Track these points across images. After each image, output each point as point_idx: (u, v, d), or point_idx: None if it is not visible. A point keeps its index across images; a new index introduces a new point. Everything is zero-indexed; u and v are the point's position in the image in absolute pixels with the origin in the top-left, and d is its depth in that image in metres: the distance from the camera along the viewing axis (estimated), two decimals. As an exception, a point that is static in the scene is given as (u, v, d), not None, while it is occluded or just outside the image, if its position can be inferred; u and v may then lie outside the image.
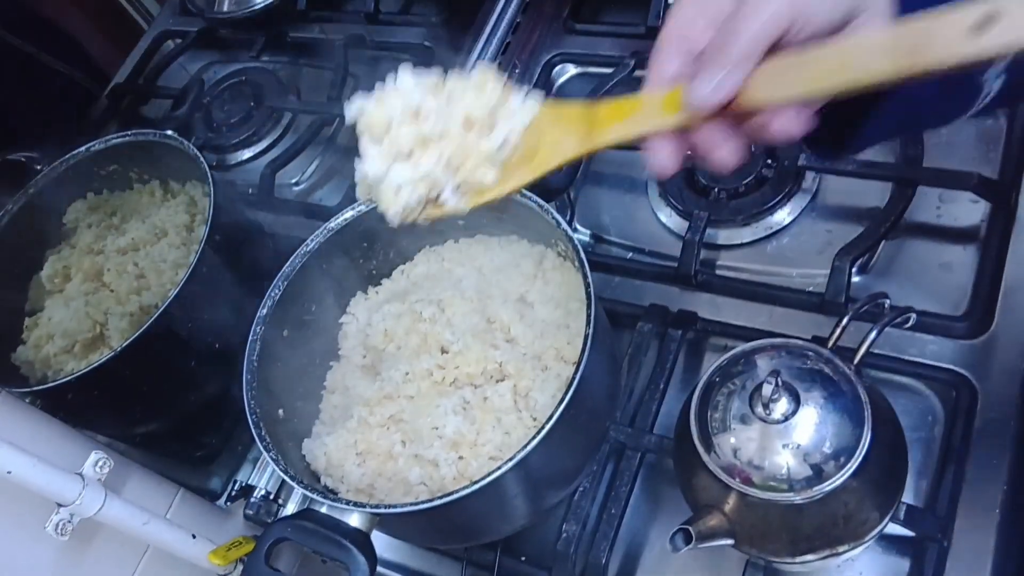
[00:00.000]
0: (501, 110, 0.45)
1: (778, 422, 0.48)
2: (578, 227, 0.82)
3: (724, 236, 0.76)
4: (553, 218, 0.61)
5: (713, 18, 0.38)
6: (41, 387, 0.70)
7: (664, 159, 0.40)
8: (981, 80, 0.40)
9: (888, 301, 0.53)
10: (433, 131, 0.44)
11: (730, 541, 0.51)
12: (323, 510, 0.55)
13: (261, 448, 0.59)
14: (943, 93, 0.41)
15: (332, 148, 1.02)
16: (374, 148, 0.45)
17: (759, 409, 0.49)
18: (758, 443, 0.49)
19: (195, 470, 0.83)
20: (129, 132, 0.87)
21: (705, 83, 0.36)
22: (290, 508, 0.78)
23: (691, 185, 0.79)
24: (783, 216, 0.75)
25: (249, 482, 0.80)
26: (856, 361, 0.52)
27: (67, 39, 1.32)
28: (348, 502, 0.55)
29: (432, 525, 0.61)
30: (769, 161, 0.76)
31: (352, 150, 1.08)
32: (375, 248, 0.73)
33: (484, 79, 0.45)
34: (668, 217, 0.79)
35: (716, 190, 0.77)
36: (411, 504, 0.54)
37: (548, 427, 0.52)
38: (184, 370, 0.78)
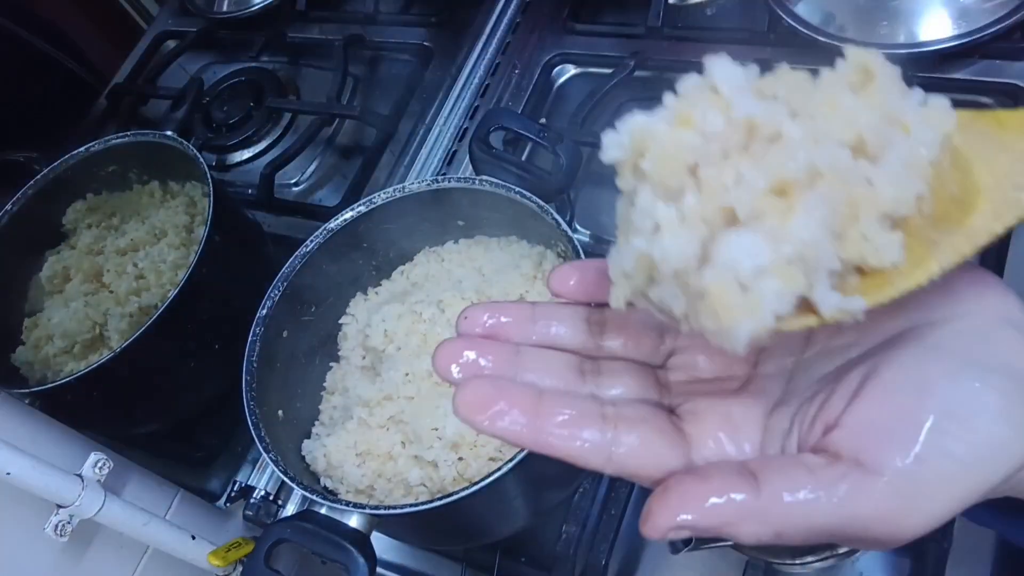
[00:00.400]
0: (895, 123, 0.27)
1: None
2: (578, 227, 0.82)
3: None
4: (553, 219, 0.61)
5: None
6: (40, 388, 0.70)
7: None
8: None
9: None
10: (806, 162, 0.26)
11: (730, 542, 0.51)
12: (323, 511, 0.55)
13: (261, 449, 0.59)
14: None
15: (332, 148, 1.02)
16: (670, 210, 0.26)
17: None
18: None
19: (195, 471, 0.83)
20: (128, 132, 0.87)
21: None
22: (290, 509, 0.78)
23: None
24: (783, 216, 0.75)
25: (249, 483, 0.80)
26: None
27: (66, 39, 1.32)
28: (348, 503, 0.54)
29: (432, 526, 0.61)
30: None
31: (353, 150, 1.08)
32: (375, 249, 0.73)
33: (863, 69, 0.28)
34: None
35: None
36: (411, 505, 0.54)
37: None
38: (184, 371, 0.78)
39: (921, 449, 0.24)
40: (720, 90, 0.27)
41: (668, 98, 0.27)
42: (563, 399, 0.29)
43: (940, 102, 0.28)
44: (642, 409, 0.30)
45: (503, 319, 0.32)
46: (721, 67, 0.27)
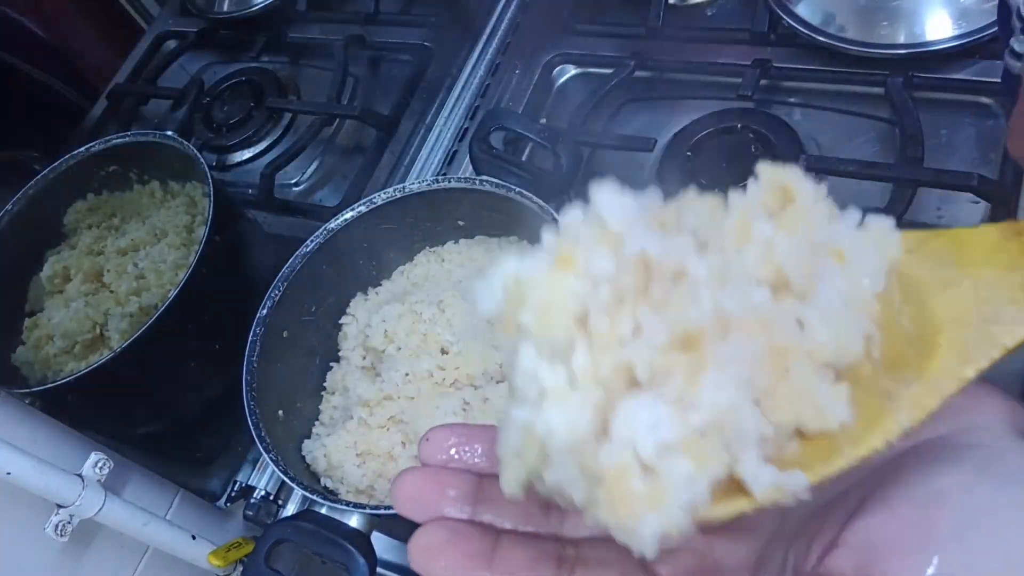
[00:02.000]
0: (821, 256, 0.23)
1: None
2: (578, 227, 0.82)
3: (724, 237, 0.76)
4: (553, 219, 0.61)
5: None
6: (41, 388, 0.70)
7: None
8: None
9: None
10: (716, 308, 0.21)
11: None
12: (323, 511, 0.55)
13: (261, 449, 0.59)
14: None
15: (332, 148, 1.02)
16: (553, 372, 0.22)
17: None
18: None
19: (195, 471, 0.83)
20: (129, 132, 0.87)
21: None
22: (290, 509, 0.78)
23: (693, 185, 0.79)
24: (783, 217, 0.75)
25: (249, 483, 0.80)
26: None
27: (66, 39, 1.32)
28: (348, 503, 0.55)
29: (432, 526, 0.61)
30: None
31: (353, 150, 1.08)
32: (375, 248, 0.73)
33: (784, 186, 0.24)
34: (668, 217, 0.79)
35: (717, 191, 0.76)
36: (411, 505, 0.54)
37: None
38: (184, 371, 0.78)
39: (940, 563, 0.21)
40: (608, 224, 0.22)
41: (547, 237, 0.23)
42: (520, 543, 0.28)
43: (880, 223, 0.23)
44: (608, 550, 0.27)
45: (469, 446, 0.30)
46: (607, 196, 0.23)
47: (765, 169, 0.24)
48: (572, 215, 0.23)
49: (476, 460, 0.30)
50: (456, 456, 0.30)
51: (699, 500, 0.20)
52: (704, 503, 0.21)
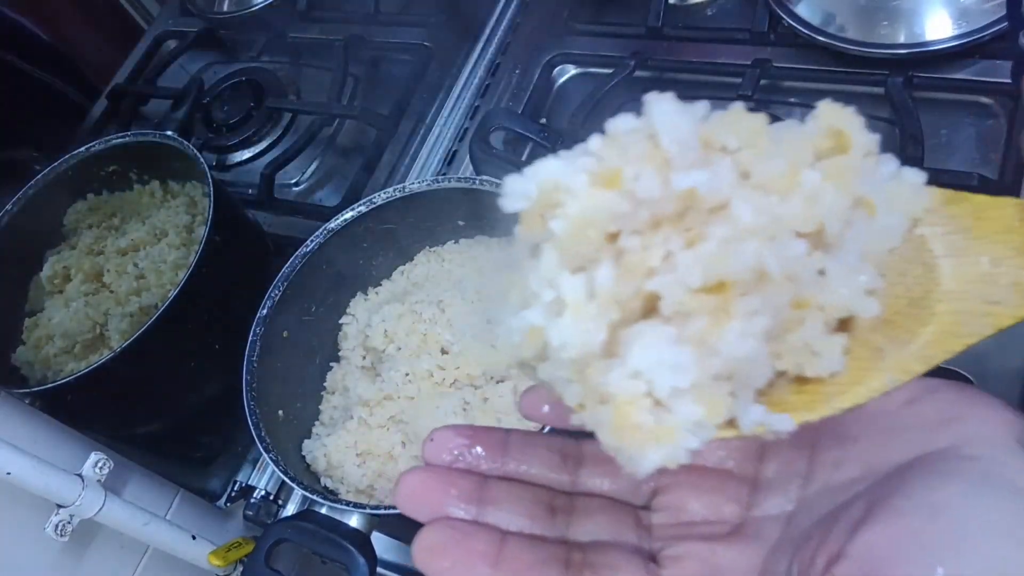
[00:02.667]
0: (857, 204, 0.22)
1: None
2: (578, 227, 0.82)
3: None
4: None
5: None
6: (41, 388, 0.70)
7: None
8: None
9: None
10: (751, 257, 0.20)
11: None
12: (323, 511, 0.55)
13: (261, 449, 0.59)
14: None
15: (332, 148, 1.02)
16: (575, 284, 0.21)
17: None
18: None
19: (195, 471, 0.83)
20: (129, 132, 0.87)
21: None
22: (290, 509, 0.78)
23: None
24: (783, 216, 0.75)
25: (249, 483, 0.80)
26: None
27: (66, 39, 1.32)
28: (348, 503, 0.55)
29: (432, 526, 0.61)
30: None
31: (353, 150, 1.08)
32: (375, 248, 0.73)
33: (840, 132, 0.22)
34: (668, 217, 0.79)
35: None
36: (411, 505, 0.54)
37: (548, 428, 0.52)
38: (184, 371, 0.78)
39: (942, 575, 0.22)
40: (661, 143, 0.21)
41: (593, 141, 0.22)
42: (527, 545, 0.27)
43: (913, 176, 0.23)
44: (615, 555, 0.28)
45: (473, 448, 0.30)
46: (664, 111, 0.21)
47: (826, 108, 0.23)
48: (622, 123, 0.22)
49: (480, 462, 0.30)
50: (460, 457, 0.30)
51: (701, 445, 0.21)
52: (709, 441, 0.21)
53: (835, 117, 0.22)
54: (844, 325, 0.23)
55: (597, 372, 0.21)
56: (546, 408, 0.30)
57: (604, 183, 0.21)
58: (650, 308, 0.21)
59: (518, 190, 0.22)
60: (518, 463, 0.30)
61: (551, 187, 0.22)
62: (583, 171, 0.21)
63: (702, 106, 0.23)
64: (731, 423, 0.22)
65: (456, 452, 0.30)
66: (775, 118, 0.23)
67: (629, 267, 0.21)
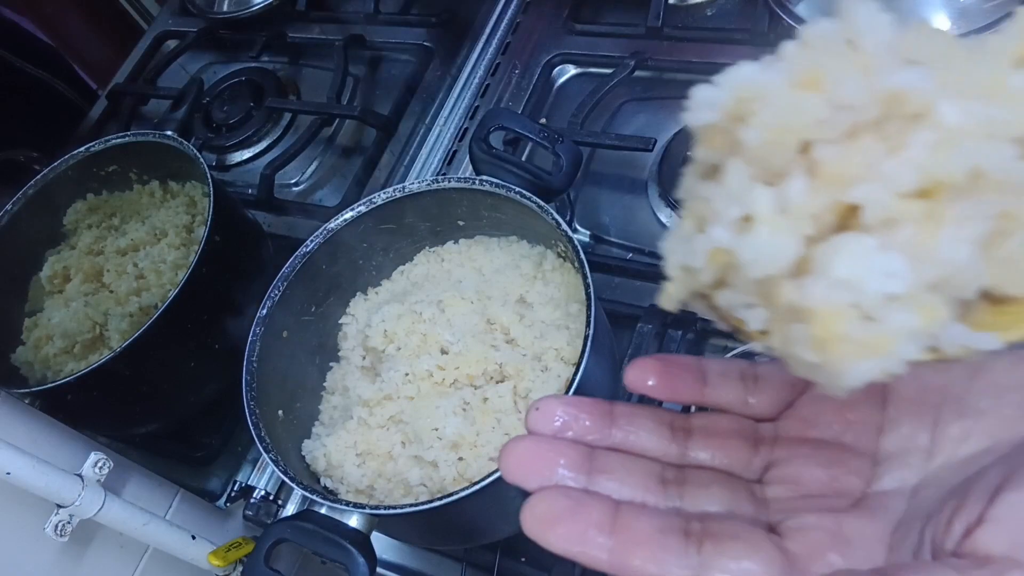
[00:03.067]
0: None
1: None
2: (578, 227, 0.82)
3: (724, 237, 0.76)
4: (553, 219, 0.61)
5: None
6: (40, 388, 0.70)
7: None
8: None
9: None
10: (964, 161, 0.19)
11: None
12: (323, 511, 0.55)
13: (261, 449, 0.58)
14: None
15: (332, 148, 1.02)
16: (768, 194, 0.21)
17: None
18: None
19: (195, 471, 0.83)
20: (128, 132, 0.87)
21: None
22: (290, 509, 0.78)
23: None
24: (783, 217, 0.74)
25: (249, 483, 0.80)
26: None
27: (66, 39, 1.32)
28: (348, 503, 0.54)
29: (432, 526, 0.61)
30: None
31: (353, 150, 1.07)
32: (375, 248, 0.73)
33: None
34: (668, 217, 0.79)
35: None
36: (411, 505, 0.54)
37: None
38: (184, 371, 0.78)
39: None
40: (864, 45, 0.20)
41: (789, 47, 0.21)
42: (643, 514, 0.26)
43: None
44: (734, 524, 0.26)
45: (579, 418, 0.29)
46: (866, 13, 0.20)
47: (1023, 13, 0.21)
48: (822, 26, 0.21)
49: (586, 432, 0.29)
50: (566, 426, 0.29)
51: (916, 356, 0.20)
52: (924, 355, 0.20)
53: None
54: None
55: (789, 290, 0.20)
56: (651, 381, 0.29)
57: (805, 86, 0.20)
58: (843, 223, 0.20)
59: (709, 98, 0.22)
60: (626, 433, 0.29)
61: (748, 93, 0.21)
62: (779, 76, 0.21)
63: (889, 16, 0.22)
64: (932, 347, 0.21)
65: (562, 421, 0.29)
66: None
67: (827, 177, 0.20)
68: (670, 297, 0.23)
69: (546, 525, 0.25)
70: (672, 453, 0.30)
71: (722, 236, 0.21)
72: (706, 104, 0.22)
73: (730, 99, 0.21)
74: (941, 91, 0.20)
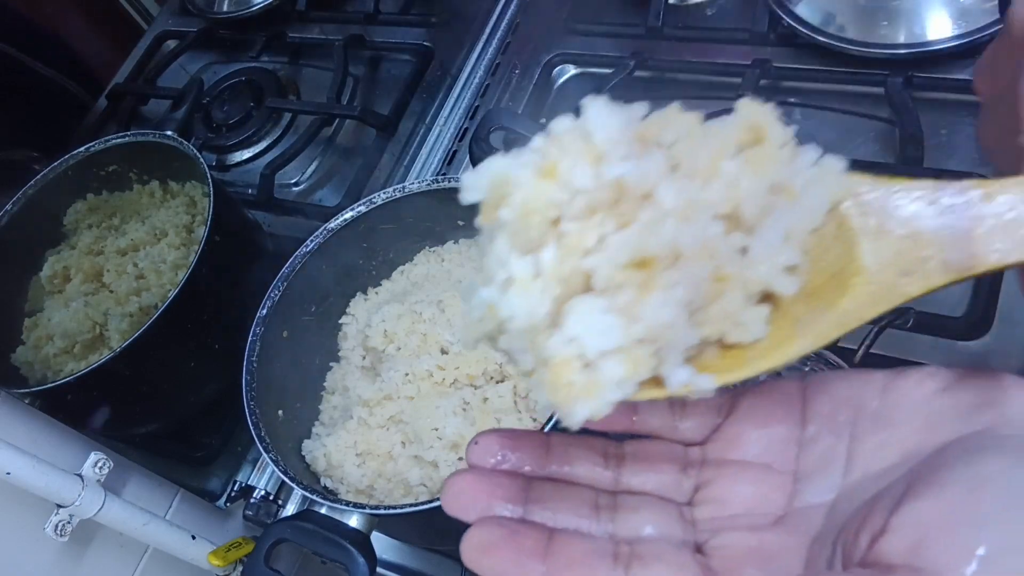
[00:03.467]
0: (777, 191, 0.25)
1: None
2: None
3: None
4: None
5: None
6: (40, 387, 0.70)
7: None
8: None
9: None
10: (671, 238, 0.23)
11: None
12: (323, 511, 0.55)
13: (261, 449, 0.59)
14: None
15: (332, 148, 1.02)
16: (523, 263, 0.24)
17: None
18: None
19: (195, 471, 0.83)
20: (128, 132, 0.87)
21: None
22: (290, 509, 0.78)
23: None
24: (783, 217, 0.75)
25: (249, 483, 0.80)
26: (856, 361, 0.52)
27: (66, 40, 1.32)
28: (348, 503, 0.55)
29: (432, 526, 0.61)
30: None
31: (353, 150, 1.08)
32: (375, 248, 0.73)
33: (751, 126, 0.25)
34: (668, 217, 0.79)
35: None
36: (411, 505, 0.54)
37: (548, 428, 0.52)
38: (184, 371, 0.78)
39: (988, 541, 0.22)
40: (594, 140, 0.24)
41: (537, 140, 0.25)
42: (575, 540, 0.28)
43: (834, 164, 0.25)
44: (661, 546, 0.28)
45: (516, 450, 0.31)
46: (598, 112, 0.24)
47: (744, 106, 0.25)
48: (562, 124, 0.25)
49: (524, 464, 0.31)
50: (504, 459, 0.30)
51: (623, 397, 0.24)
52: (628, 397, 0.24)
53: (753, 113, 0.25)
54: (769, 296, 0.25)
55: (543, 340, 0.24)
56: (496, 457, 0.31)
57: (544, 176, 0.24)
58: (589, 287, 0.24)
59: (473, 184, 0.25)
60: (561, 464, 0.31)
61: (500, 181, 0.24)
62: (527, 166, 0.24)
63: (640, 106, 0.25)
64: (660, 383, 0.24)
65: (500, 455, 0.30)
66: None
67: (568, 248, 0.23)
68: (466, 341, 0.26)
69: (482, 553, 0.27)
70: (606, 479, 0.31)
71: (491, 295, 0.24)
72: (471, 188, 0.25)
73: (487, 186, 0.24)
74: (668, 170, 0.24)
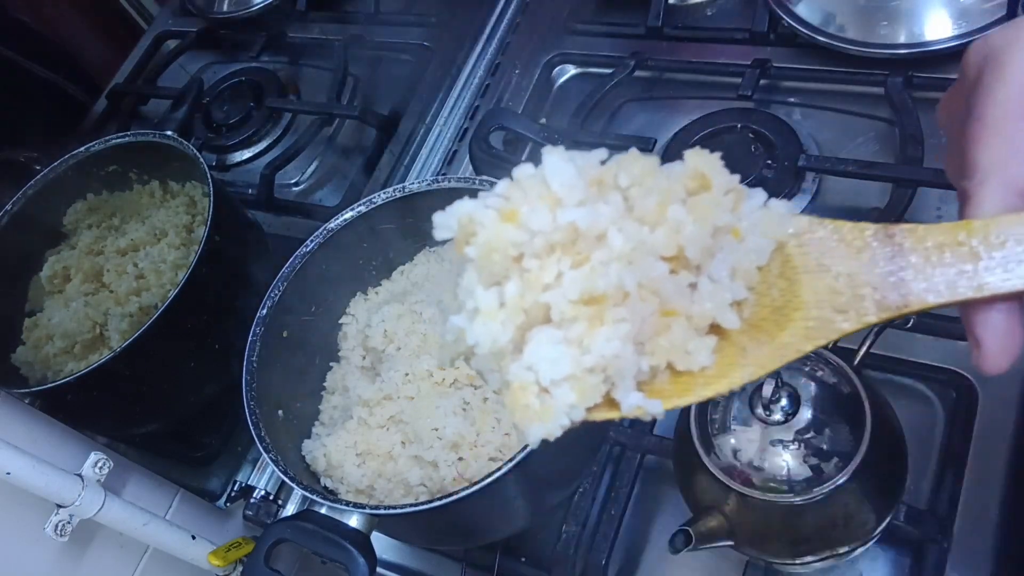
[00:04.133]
0: (721, 233, 0.27)
1: (778, 423, 0.48)
2: (578, 227, 0.82)
3: (724, 237, 0.76)
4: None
5: None
6: (41, 388, 0.70)
7: (1005, 342, 0.25)
8: None
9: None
10: (617, 279, 0.26)
11: (730, 543, 0.51)
12: (323, 511, 0.55)
13: (261, 449, 0.59)
14: None
15: (332, 148, 1.02)
16: (488, 296, 0.26)
17: (759, 410, 0.49)
18: (758, 444, 0.49)
19: (195, 471, 0.83)
20: (128, 132, 0.87)
21: None
22: (290, 509, 0.78)
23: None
24: (783, 217, 0.74)
25: (249, 483, 0.80)
26: (856, 362, 0.52)
27: (66, 40, 1.32)
28: (348, 503, 0.54)
29: (432, 526, 0.61)
30: (769, 162, 0.75)
31: (353, 150, 1.07)
32: (375, 249, 0.73)
33: (698, 174, 0.27)
34: (668, 217, 0.79)
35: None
36: (411, 505, 0.54)
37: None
38: (184, 371, 0.78)
39: None
40: (551, 187, 0.26)
41: (501, 184, 0.27)
42: None
43: (780, 207, 0.27)
44: None
45: None
46: (555, 161, 0.27)
47: (691, 155, 0.28)
48: (524, 170, 0.27)
49: None
50: None
51: (574, 422, 0.26)
52: (579, 420, 0.27)
53: (699, 162, 0.27)
54: (716, 329, 0.27)
55: (506, 364, 0.26)
56: None
57: (506, 219, 0.26)
58: (547, 319, 0.26)
59: (443, 223, 0.28)
60: None
61: (467, 221, 0.27)
62: (491, 208, 0.27)
63: (600, 152, 0.28)
64: (615, 405, 0.27)
65: None
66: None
67: (529, 283, 0.26)
68: (442, 359, 0.30)
69: None
70: None
71: (460, 322, 0.27)
72: (442, 227, 0.28)
73: (456, 226, 0.27)
74: (620, 217, 0.26)
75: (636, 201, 0.27)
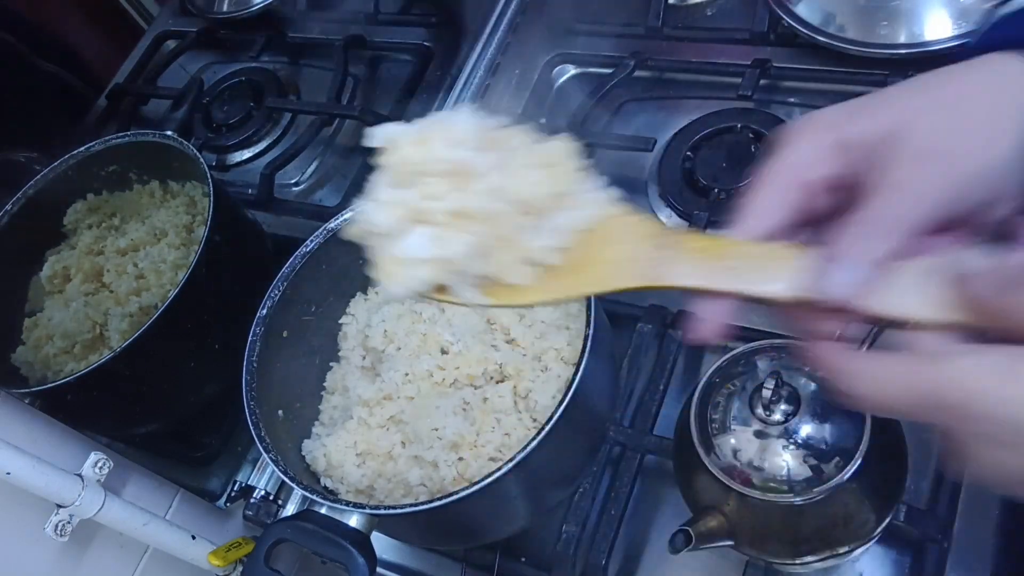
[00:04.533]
0: (564, 198, 0.36)
1: (778, 423, 0.48)
2: (578, 227, 0.82)
3: (724, 237, 0.76)
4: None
5: (845, 170, 0.32)
6: (41, 388, 0.70)
7: (712, 325, 0.34)
8: None
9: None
10: (480, 206, 0.35)
11: (730, 542, 0.51)
12: (323, 511, 0.55)
13: (261, 449, 0.59)
14: None
15: (332, 148, 1.02)
16: (391, 193, 0.36)
17: (759, 410, 0.49)
18: (758, 444, 0.49)
19: (195, 471, 0.83)
20: (129, 132, 0.87)
21: (849, 271, 0.30)
22: (290, 509, 0.78)
23: (691, 185, 0.79)
24: (783, 216, 0.74)
25: (249, 483, 0.80)
26: (856, 362, 0.52)
27: (67, 39, 1.32)
28: (348, 503, 0.54)
29: (432, 526, 0.61)
30: (769, 161, 0.75)
31: (353, 150, 1.07)
32: (375, 249, 0.73)
33: (561, 153, 0.37)
34: (668, 217, 0.79)
35: (716, 191, 0.77)
36: (411, 505, 0.54)
37: (548, 428, 0.52)
38: (184, 371, 0.78)
39: None
40: (455, 131, 0.35)
41: (423, 121, 0.36)
42: None
43: (604, 196, 0.37)
44: None
45: None
46: (462, 116, 0.36)
47: (560, 139, 0.37)
48: (441, 115, 0.36)
49: None
50: None
51: (420, 291, 0.36)
52: (426, 291, 0.36)
53: (563, 145, 0.37)
54: (541, 262, 0.36)
55: (388, 243, 0.36)
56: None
57: (418, 144, 0.35)
58: (424, 218, 0.35)
59: (374, 135, 0.36)
60: None
61: (390, 139, 0.36)
62: (409, 134, 0.36)
63: (504, 118, 0.37)
64: (447, 291, 0.36)
65: None
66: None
67: (422, 192, 0.35)
68: (350, 234, 0.38)
69: None
70: None
71: (367, 207, 0.36)
72: (374, 137, 0.36)
73: (383, 141, 0.36)
74: (495, 165, 0.35)
75: (515, 159, 0.36)
